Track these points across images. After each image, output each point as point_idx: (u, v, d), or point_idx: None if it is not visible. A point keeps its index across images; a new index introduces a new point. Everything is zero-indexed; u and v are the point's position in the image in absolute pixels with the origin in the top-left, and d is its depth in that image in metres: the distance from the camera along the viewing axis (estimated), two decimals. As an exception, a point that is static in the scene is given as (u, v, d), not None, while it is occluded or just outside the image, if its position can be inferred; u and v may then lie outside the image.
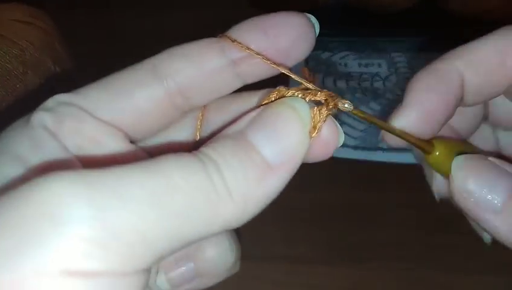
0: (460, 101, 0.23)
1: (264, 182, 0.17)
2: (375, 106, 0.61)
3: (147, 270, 0.16)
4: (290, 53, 0.21)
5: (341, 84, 0.64)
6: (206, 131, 0.23)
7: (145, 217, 0.15)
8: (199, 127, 0.22)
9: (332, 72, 0.66)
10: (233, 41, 0.20)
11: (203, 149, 0.17)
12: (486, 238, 0.23)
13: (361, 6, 0.70)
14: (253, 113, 0.18)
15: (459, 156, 0.19)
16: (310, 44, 0.21)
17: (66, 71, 0.45)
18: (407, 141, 0.21)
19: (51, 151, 0.19)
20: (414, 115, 0.21)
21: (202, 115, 0.22)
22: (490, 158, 0.19)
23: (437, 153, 0.22)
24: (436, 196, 0.25)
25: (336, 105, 0.19)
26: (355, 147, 0.55)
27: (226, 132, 0.18)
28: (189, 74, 0.21)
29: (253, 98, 0.22)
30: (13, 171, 0.18)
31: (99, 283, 0.14)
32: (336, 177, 0.49)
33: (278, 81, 0.21)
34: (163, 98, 0.21)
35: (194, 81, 0.21)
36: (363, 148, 0.55)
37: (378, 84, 0.64)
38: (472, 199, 0.19)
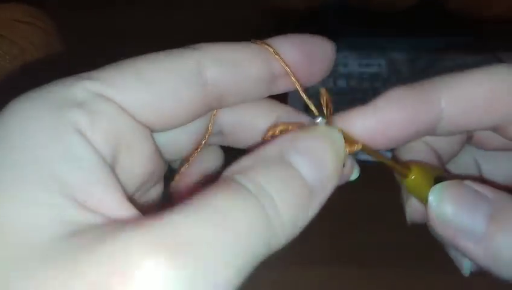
0: (430, 130, 0.21)
1: (309, 208, 0.18)
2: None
3: None
4: (314, 74, 0.22)
5: (341, 84, 0.64)
6: (215, 128, 0.23)
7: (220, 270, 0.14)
8: (211, 124, 0.22)
9: (333, 72, 0.65)
10: (275, 53, 0.20)
11: (252, 176, 0.16)
12: (466, 269, 0.23)
13: (362, 6, 0.70)
14: (290, 137, 0.18)
15: (437, 185, 0.19)
16: (330, 69, 0.23)
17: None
18: (384, 163, 0.21)
19: (87, 167, 0.16)
20: (372, 120, 0.21)
21: (215, 115, 0.22)
22: (466, 182, 0.19)
23: (413, 177, 0.21)
24: (408, 220, 0.24)
25: (355, 148, 0.20)
26: (356, 147, 0.55)
27: (264, 152, 0.18)
28: (233, 81, 0.20)
29: (270, 113, 0.22)
30: (47, 198, 0.15)
31: None
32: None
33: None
34: (202, 100, 0.20)
35: (235, 89, 0.20)
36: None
37: (378, 84, 0.64)
38: (451, 228, 0.19)
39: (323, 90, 0.22)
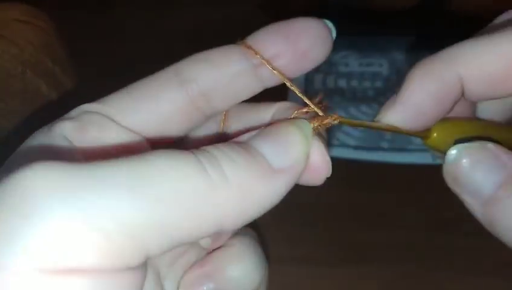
0: (459, 97, 0.21)
1: (267, 182, 0.17)
2: (376, 106, 0.61)
3: (138, 271, 0.15)
4: (308, 55, 0.22)
5: (342, 83, 0.64)
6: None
7: (125, 205, 0.14)
8: (222, 127, 0.22)
9: (333, 71, 0.66)
10: (248, 47, 0.21)
11: (201, 147, 0.17)
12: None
13: (362, 5, 0.70)
14: (259, 129, 0.19)
15: (458, 144, 0.19)
16: (328, 48, 0.22)
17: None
18: (402, 133, 0.22)
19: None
20: (405, 113, 0.21)
21: (224, 119, 0.22)
22: (489, 145, 0.18)
23: (435, 135, 0.22)
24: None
25: (324, 123, 0.21)
26: (356, 147, 0.55)
27: (233, 141, 0.18)
28: (211, 77, 0.21)
29: (270, 109, 0.22)
30: None
31: (83, 282, 0.13)
32: (336, 177, 0.48)
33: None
34: (187, 102, 0.21)
35: (216, 84, 0.21)
36: (364, 148, 0.54)
37: (379, 84, 0.64)
38: (461, 183, 0.19)
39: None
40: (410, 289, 0.45)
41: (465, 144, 0.19)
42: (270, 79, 0.22)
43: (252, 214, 0.17)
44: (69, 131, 0.19)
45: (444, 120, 0.22)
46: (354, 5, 0.71)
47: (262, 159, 0.17)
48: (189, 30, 0.67)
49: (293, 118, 0.20)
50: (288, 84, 0.21)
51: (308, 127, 0.20)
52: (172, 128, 0.21)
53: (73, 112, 0.20)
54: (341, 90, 0.63)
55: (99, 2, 0.77)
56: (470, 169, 0.18)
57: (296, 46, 0.21)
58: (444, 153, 0.20)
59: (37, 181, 0.14)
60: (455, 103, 0.22)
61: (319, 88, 0.63)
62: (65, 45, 0.48)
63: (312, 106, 0.21)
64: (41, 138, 0.19)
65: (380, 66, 0.66)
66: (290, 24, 0.21)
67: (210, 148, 0.17)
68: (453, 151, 0.19)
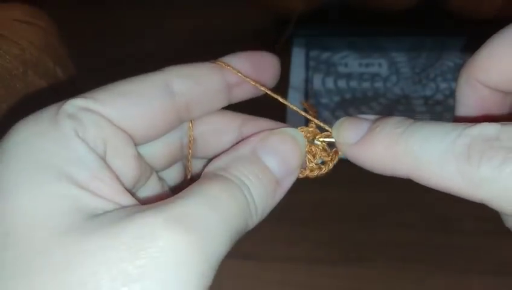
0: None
1: (275, 195, 0.22)
2: (376, 106, 0.61)
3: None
4: (264, 82, 0.25)
5: (341, 84, 0.64)
6: (185, 141, 0.27)
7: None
8: (191, 133, 0.26)
9: (333, 72, 0.66)
10: (227, 66, 0.25)
11: (233, 172, 0.21)
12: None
13: (362, 6, 0.70)
14: (261, 137, 0.23)
15: (337, 122, 0.24)
16: (275, 80, 0.26)
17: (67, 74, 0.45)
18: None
19: (91, 164, 0.20)
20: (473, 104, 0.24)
21: (192, 125, 0.26)
22: (361, 115, 0.23)
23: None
24: None
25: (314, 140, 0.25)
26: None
27: (240, 152, 0.23)
28: (196, 93, 0.24)
29: (229, 115, 0.26)
30: (64, 190, 0.19)
31: None
32: (335, 177, 0.48)
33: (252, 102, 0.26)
34: (172, 110, 0.23)
35: (199, 99, 0.24)
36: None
37: (378, 84, 0.64)
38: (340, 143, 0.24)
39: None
40: (410, 288, 0.45)
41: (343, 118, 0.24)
42: (236, 97, 0.26)
43: (262, 218, 0.22)
44: (79, 131, 0.20)
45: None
46: (353, 5, 0.71)
47: (271, 176, 0.22)
48: (189, 31, 0.67)
49: (287, 127, 0.24)
50: (280, 99, 0.25)
51: (303, 139, 0.24)
52: (157, 130, 0.24)
53: (68, 108, 0.21)
54: (340, 91, 0.63)
55: (100, 2, 0.77)
56: (345, 130, 0.24)
57: (259, 73, 0.25)
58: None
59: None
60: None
61: (318, 88, 0.64)
62: (66, 45, 0.48)
63: (314, 120, 0.25)
64: (52, 137, 0.20)
65: (380, 66, 0.66)
66: (254, 54, 0.26)
67: (241, 175, 0.21)
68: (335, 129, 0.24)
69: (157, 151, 0.25)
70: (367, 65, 0.67)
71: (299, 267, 0.45)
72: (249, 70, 0.25)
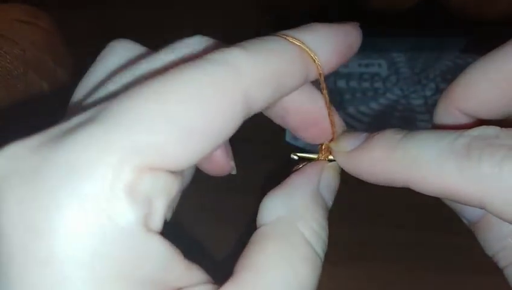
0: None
1: None
2: (375, 106, 0.61)
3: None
4: (346, 58, 0.23)
5: (341, 84, 0.64)
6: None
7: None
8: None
9: (332, 72, 0.66)
10: (317, 64, 0.20)
11: (308, 226, 0.21)
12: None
13: (362, 6, 0.70)
14: (318, 174, 0.23)
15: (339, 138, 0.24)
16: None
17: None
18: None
19: (167, 263, 0.16)
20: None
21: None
22: (358, 133, 0.23)
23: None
24: None
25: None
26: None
27: (307, 193, 0.22)
28: (275, 102, 0.20)
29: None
30: None
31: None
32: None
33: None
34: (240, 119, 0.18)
35: (273, 102, 0.20)
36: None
37: (378, 84, 0.64)
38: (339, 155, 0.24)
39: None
40: (410, 289, 0.45)
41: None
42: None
43: None
44: (141, 224, 0.15)
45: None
46: (353, 5, 0.71)
47: (326, 212, 0.23)
48: (189, 31, 0.67)
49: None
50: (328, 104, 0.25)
51: (339, 167, 0.24)
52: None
53: (128, 176, 0.15)
54: (340, 91, 0.63)
55: (100, 2, 0.77)
56: (344, 141, 0.23)
57: (342, 60, 0.22)
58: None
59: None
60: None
61: (318, 89, 0.64)
62: (66, 45, 0.48)
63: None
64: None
65: (379, 66, 0.66)
66: (345, 34, 0.21)
67: (314, 230, 0.21)
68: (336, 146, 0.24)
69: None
70: (367, 65, 0.67)
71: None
72: (332, 60, 0.21)
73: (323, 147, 0.24)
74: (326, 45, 0.20)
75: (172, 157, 0.15)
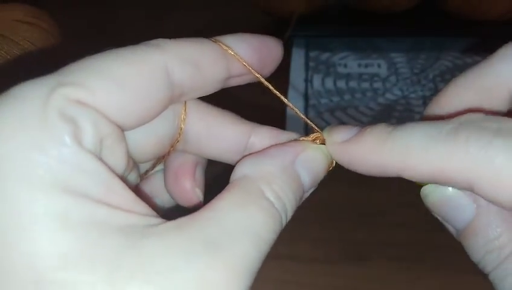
0: None
1: (300, 202, 0.23)
2: (375, 106, 0.61)
3: None
4: (264, 72, 0.24)
5: (341, 84, 0.64)
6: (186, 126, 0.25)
7: None
8: (183, 120, 0.24)
9: (332, 72, 0.66)
10: (231, 51, 0.23)
11: (274, 187, 0.21)
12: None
13: (361, 6, 0.71)
14: (299, 149, 0.23)
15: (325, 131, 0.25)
16: (274, 68, 0.25)
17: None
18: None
19: (101, 177, 0.18)
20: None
21: (185, 111, 0.24)
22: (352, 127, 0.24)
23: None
24: None
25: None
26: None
27: (279, 161, 0.22)
28: (197, 82, 0.22)
29: (234, 119, 0.25)
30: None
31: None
32: (335, 176, 0.49)
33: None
34: (168, 100, 0.21)
35: (197, 86, 0.22)
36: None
37: (377, 85, 0.64)
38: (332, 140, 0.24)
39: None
40: (409, 288, 0.45)
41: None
42: (233, 84, 0.24)
43: None
44: (78, 138, 0.18)
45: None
46: (353, 6, 0.71)
47: (303, 192, 0.23)
48: (189, 31, 0.67)
49: (315, 142, 0.24)
50: (283, 99, 0.25)
51: (330, 156, 0.24)
52: (146, 120, 0.21)
53: (60, 102, 0.17)
54: (340, 91, 0.64)
55: (100, 2, 0.77)
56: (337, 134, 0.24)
57: (263, 62, 0.24)
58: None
59: None
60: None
61: (318, 89, 0.64)
62: (67, 46, 0.48)
63: (310, 123, 0.25)
64: (68, 154, 0.17)
65: (379, 67, 0.67)
66: (261, 40, 0.24)
67: (282, 195, 0.21)
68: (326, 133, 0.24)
69: (143, 142, 0.23)
70: (366, 66, 0.67)
71: (298, 267, 0.45)
72: (252, 58, 0.23)
73: (314, 137, 0.24)
74: (242, 42, 0.23)
75: (102, 99, 0.19)
